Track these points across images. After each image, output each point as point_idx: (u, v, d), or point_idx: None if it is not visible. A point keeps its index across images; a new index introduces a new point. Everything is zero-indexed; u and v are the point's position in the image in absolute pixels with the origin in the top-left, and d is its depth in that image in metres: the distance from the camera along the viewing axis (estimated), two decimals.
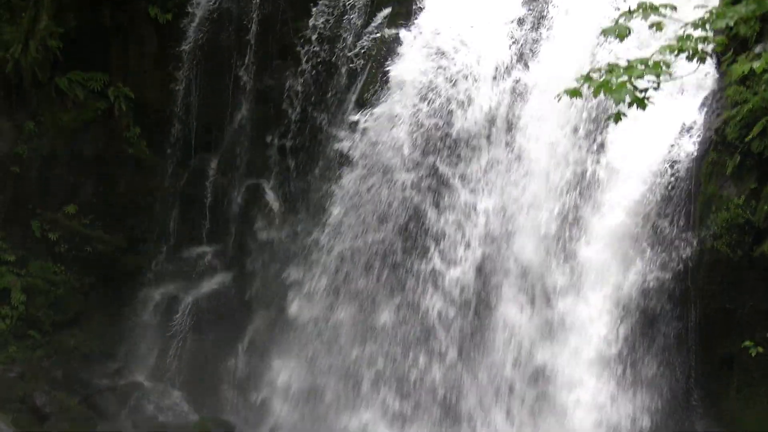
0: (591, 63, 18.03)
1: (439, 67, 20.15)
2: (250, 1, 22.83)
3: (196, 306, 22.14)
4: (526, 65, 20.05)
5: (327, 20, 22.07)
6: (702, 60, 10.76)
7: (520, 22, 20.33)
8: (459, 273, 19.47)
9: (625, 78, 10.25)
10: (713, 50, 11.54)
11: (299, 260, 21.10)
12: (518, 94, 19.82)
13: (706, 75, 17.41)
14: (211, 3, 23.09)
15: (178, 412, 21.36)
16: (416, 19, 20.91)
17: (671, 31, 10.88)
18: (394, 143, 20.06)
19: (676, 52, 10.45)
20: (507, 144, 19.79)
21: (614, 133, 18.23)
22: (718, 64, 17.34)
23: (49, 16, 22.18)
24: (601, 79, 10.29)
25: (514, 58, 20.14)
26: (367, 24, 21.69)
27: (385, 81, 20.50)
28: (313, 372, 20.38)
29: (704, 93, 17.98)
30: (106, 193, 23.05)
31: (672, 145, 17.81)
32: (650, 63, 10.30)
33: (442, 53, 20.23)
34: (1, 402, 20.06)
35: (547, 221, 18.82)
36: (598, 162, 18.57)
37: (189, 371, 21.99)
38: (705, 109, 17.84)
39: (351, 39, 21.72)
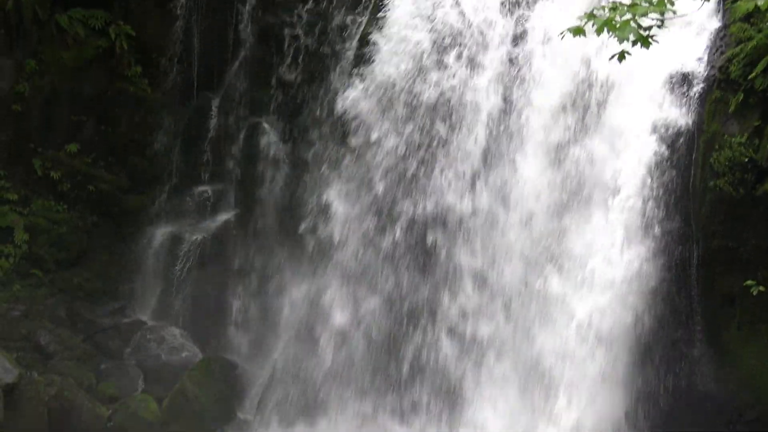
0: None
1: None
2: None
3: (199, 245, 22.17)
4: None
5: None
6: None
7: None
8: None
9: (629, 16, 10.17)
10: None
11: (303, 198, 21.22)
12: None
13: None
14: None
15: (181, 350, 21.46)
16: None
17: None
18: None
19: None
20: None
21: None
22: (723, 2, 17.25)
23: None
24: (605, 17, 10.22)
25: None
26: None
27: None
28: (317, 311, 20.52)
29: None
30: (108, 133, 22.95)
31: None
32: (654, 0, 10.22)
33: None
34: (5, 340, 20.16)
35: None
36: None
37: (192, 310, 22.06)
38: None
39: None
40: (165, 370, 20.85)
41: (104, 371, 20.72)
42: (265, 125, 22.24)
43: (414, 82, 19.81)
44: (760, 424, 17.22)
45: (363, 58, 20.52)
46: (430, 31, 19.90)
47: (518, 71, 19.45)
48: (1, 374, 17.94)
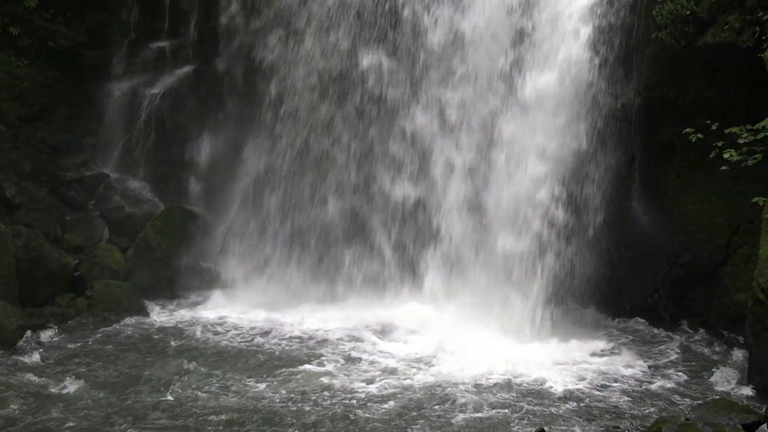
0: None
1: None
2: None
3: (159, 99, 22.50)
4: None
5: None
6: None
7: None
8: None
9: None
10: None
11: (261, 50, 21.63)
12: None
13: None
14: None
15: (143, 201, 22.02)
16: None
17: None
18: None
19: None
20: None
21: None
22: None
23: None
24: None
25: None
26: None
27: None
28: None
29: None
30: None
31: None
32: None
33: None
34: None
35: None
36: None
37: (153, 163, 22.53)
38: None
39: None
40: (128, 221, 21.41)
41: (69, 223, 21.19)
42: None
43: None
44: (693, 266, 18.10)
45: None
46: None
47: None
48: None
